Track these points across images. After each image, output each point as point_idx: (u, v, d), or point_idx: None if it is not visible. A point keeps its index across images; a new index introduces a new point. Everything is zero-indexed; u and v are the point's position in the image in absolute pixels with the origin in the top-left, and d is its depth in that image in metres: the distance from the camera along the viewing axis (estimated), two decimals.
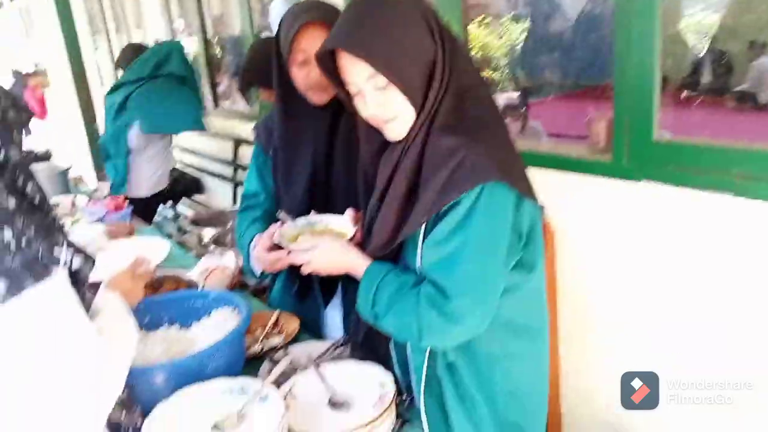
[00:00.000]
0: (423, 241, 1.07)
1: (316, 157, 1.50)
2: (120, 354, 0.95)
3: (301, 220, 1.42)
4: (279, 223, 1.42)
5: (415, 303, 1.05)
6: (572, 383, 2.00)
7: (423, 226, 1.06)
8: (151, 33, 4.89)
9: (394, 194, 1.10)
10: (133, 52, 3.35)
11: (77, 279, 0.80)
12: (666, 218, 1.62)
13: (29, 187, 0.77)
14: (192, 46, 4.37)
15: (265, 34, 4.03)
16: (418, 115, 1.06)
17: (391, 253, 1.14)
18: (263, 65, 1.83)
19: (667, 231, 1.62)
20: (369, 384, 1.21)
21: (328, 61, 1.08)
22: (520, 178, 1.06)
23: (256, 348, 1.51)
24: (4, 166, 0.73)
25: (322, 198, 1.51)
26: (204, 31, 4.11)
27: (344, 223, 1.37)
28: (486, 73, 4.87)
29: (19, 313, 0.72)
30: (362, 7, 1.05)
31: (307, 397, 1.21)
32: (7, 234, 0.72)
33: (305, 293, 1.60)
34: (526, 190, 1.05)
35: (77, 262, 0.80)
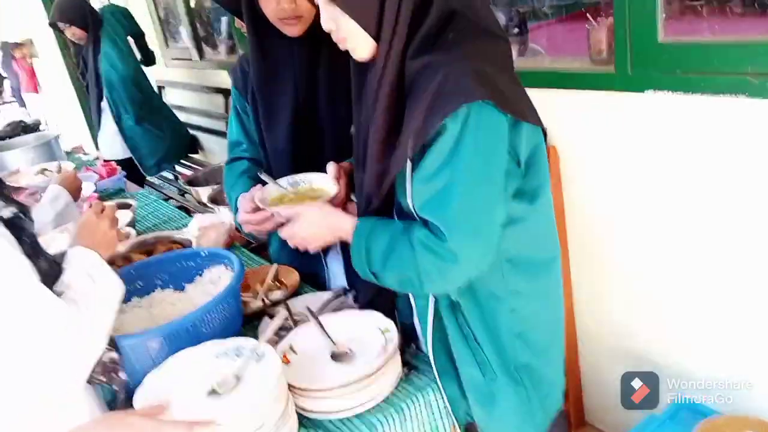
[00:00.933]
0: (412, 178, 0.97)
1: (297, 95, 1.40)
2: (91, 312, 0.90)
3: (283, 181, 1.34)
4: (259, 185, 1.34)
5: (410, 250, 0.97)
6: (586, 311, 1.95)
7: (410, 163, 0.95)
8: None
9: (375, 136, 1.02)
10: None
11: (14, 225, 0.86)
12: (677, 131, 1.51)
13: None
14: None
15: None
16: (379, 38, 0.96)
17: (385, 201, 1.07)
18: None
19: (679, 145, 1.51)
20: (371, 333, 1.16)
21: None
22: (515, 99, 0.95)
23: (257, 304, 1.46)
24: None
25: (307, 141, 1.42)
26: None
27: (326, 181, 1.29)
28: None
29: None
30: None
31: (307, 351, 1.16)
32: None
33: None
34: (521, 112, 0.94)
35: (8, 212, 0.86)
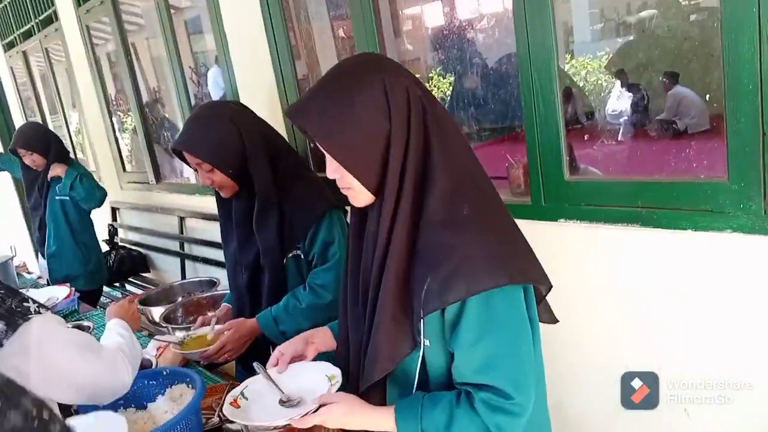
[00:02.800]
0: (424, 339, 1.04)
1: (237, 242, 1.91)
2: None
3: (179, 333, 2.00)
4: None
5: (472, 418, 1.01)
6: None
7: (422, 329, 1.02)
8: (88, 112, 4.92)
9: (386, 300, 1.05)
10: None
11: None
12: (586, 254, 1.75)
13: None
14: (131, 122, 4.42)
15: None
16: (382, 198, 1.03)
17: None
18: None
19: (587, 265, 1.75)
20: (318, 379, 1.21)
21: None
22: (529, 266, 1.07)
23: (215, 420, 1.55)
24: None
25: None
26: (141, 108, 4.17)
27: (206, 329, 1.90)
28: None
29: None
30: (325, 76, 1.07)
31: (257, 398, 1.23)
32: None
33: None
34: (535, 279, 1.07)
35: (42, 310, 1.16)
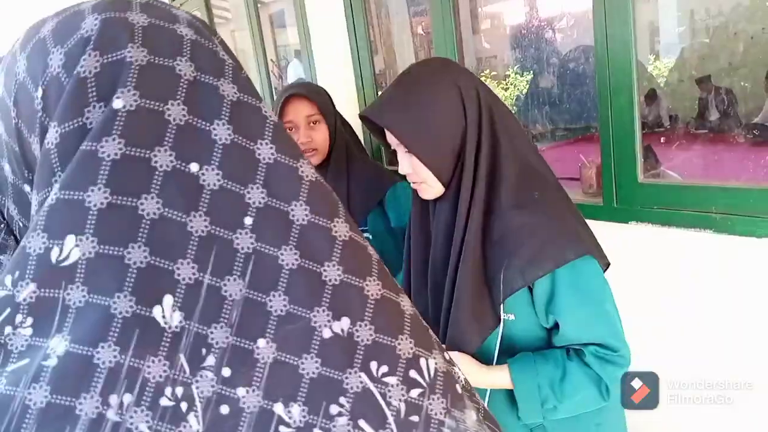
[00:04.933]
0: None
1: None
2: None
3: None
4: None
5: (586, 369, 1.10)
6: None
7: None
8: None
9: (466, 280, 1.10)
10: None
11: None
12: (656, 257, 1.73)
13: None
14: None
15: None
16: (455, 189, 1.11)
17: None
18: None
19: (657, 268, 1.73)
20: None
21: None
22: (594, 244, 1.16)
23: None
24: None
25: None
26: None
27: None
28: None
29: None
30: (401, 80, 1.14)
31: None
32: None
33: None
34: (598, 255, 1.15)
35: None
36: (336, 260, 0.44)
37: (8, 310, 0.40)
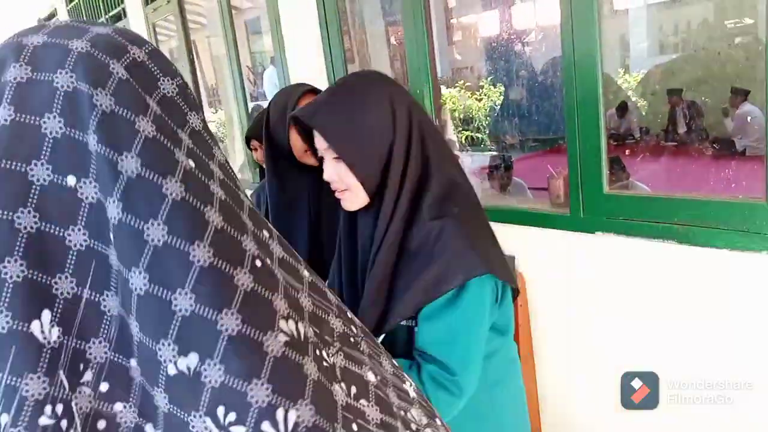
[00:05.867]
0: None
1: (311, 226, 1.61)
2: None
3: None
4: None
5: (419, 386, 1.08)
6: (551, 411, 2.11)
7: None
8: None
9: (374, 284, 1.13)
10: None
11: None
12: (621, 266, 1.76)
13: None
14: None
15: (258, 104, 4.27)
16: (378, 201, 1.12)
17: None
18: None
19: (622, 278, 1.77)
20: None
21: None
22: (503, 265, 1.16)
23: None
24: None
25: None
26: (199, 101, 4.33)
27: None
28: (468, 133, 5.13)
29: None
30: (335, 87, 1.17)
31: None
32: None
33: None
34: (506, 276, 1.15)
35: None
36: (189, 288, 0.41)
37: None
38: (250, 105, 4.02)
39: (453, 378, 1.08)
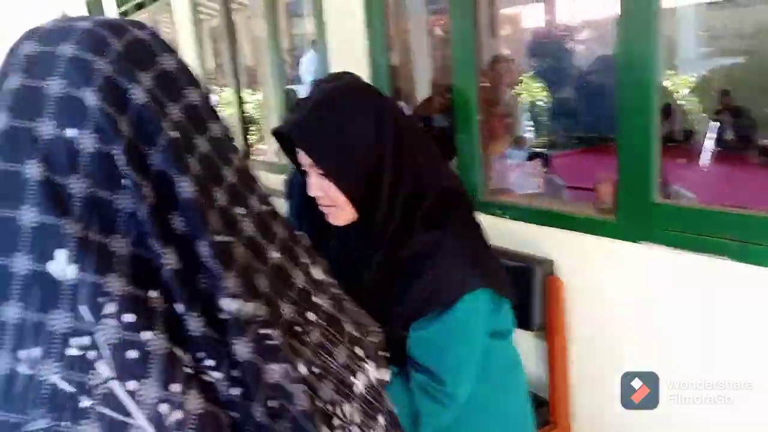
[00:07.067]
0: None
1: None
2: None
3: None
4: None
5: (405, 391, 1.08)
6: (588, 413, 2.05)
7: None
8: None
9: (367, 299, 1.12)
10: None
11: None
12: (667, 279, 1.69)
13: None
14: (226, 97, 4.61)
15: (291, 87, 4.25)
16: (370, 211, 1.09)
17: None
18: None
19: (667, 291, 1.69)
20: None
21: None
22: (501, 277, 1.14)
23: None
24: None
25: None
26: (237, 84, 4.34)
27: None
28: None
29: None
30: (317, 99, 1.11)
31: None
32: None
33: None
34: (504, 290, 1.13)
35: None
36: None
37: None
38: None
39: (442, 388, 1.07)
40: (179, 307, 0.46)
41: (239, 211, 0.52)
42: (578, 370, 2.02)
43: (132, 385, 0.43)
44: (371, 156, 1.07)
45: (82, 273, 0.44)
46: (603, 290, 1.88)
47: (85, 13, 6.86)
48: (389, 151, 1.07)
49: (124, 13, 6.26)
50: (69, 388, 0.42)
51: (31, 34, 0.50)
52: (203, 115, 0.53)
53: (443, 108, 3.69)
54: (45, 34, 0.50)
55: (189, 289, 0.46)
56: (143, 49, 0.51)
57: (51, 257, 0.44)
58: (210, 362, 0.46)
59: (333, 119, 1.07)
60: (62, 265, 0.44)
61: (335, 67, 2.98)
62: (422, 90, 4.05)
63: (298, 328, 0.53)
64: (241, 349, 0.46)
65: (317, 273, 0.60)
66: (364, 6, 2.67)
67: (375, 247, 1.12)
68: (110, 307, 0.44)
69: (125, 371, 0.43)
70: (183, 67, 0.53)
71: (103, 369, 0.43)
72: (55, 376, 0.42)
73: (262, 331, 0.48)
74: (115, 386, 0.43)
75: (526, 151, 3.49)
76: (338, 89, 1.14)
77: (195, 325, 0.46)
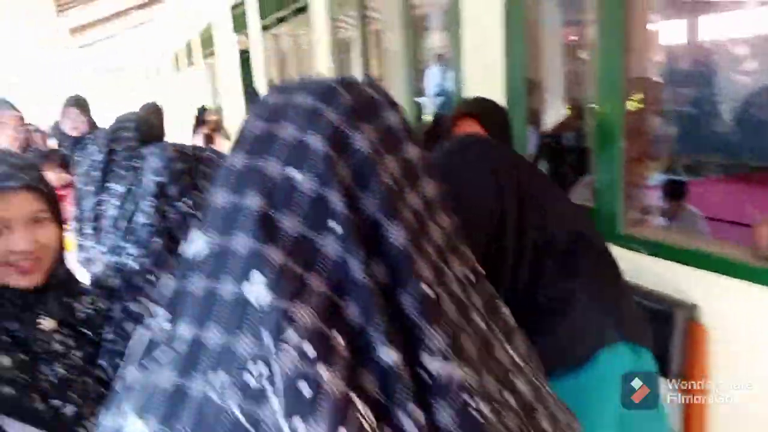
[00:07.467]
0: None
1: None
2: None
3: None
4: None
5: None
6: None
7: None
8: None
9: None
10: None
11: None
12: None
13: None
14: None
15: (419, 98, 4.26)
16: (495, 266, 1.03)
17: None
18: None
19: None
20: None
21: None
22: (635, 324, 1.07)
23: None
24: None
25: None
26: None
27: None
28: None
29: None
30: (434, 157, 1.06)
31: None
32: None
33: None
34: (639, 336, 1.06)
35: None
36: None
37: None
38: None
39: None
40: (383, 352, 0.44)
41: (445, 268, 0.52)
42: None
43: (297, 421, 0.42)
44: (491, 218, 1.03)
45: (276, 300, 0.44)
46: (756, 345, 1.69)
47: (230, 25, 7.37)
48: (512, 211, 1.04)
49: (265, 27, 6.59)
50: (246, 424, 0.43)
51: (275, 88, 0.57)
52: (418, 172, 0.54)
53: (574, 127, 3.54)
54: (284, 87, 0.56)
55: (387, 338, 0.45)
56: (370, 104, 0.53)
57: (249, 280, 0.45)
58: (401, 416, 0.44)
59: (449, 181, 1.04)
60: (259, 289, 0.45)
61: (469, 81, 2.93)
62: (553, 106, 3.91)
63: (497, 407, 0.49)
64: (443, 415, 0.44)
65: (515, 351, 0.57)
66: (504, 20, 2.60)
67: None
68: (292, 336, 0.43)
69: (294, 408, 0.42)
70: (404, 125, 0.55)
71: (274, 402, 0.43)
72: (236, 407, 0.43)
73: (468, 399, 0.45)
74: (283, 425, 0.42)
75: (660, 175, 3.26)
76: (454, 150, 1.12)
77: (395, 372, 0.44)
